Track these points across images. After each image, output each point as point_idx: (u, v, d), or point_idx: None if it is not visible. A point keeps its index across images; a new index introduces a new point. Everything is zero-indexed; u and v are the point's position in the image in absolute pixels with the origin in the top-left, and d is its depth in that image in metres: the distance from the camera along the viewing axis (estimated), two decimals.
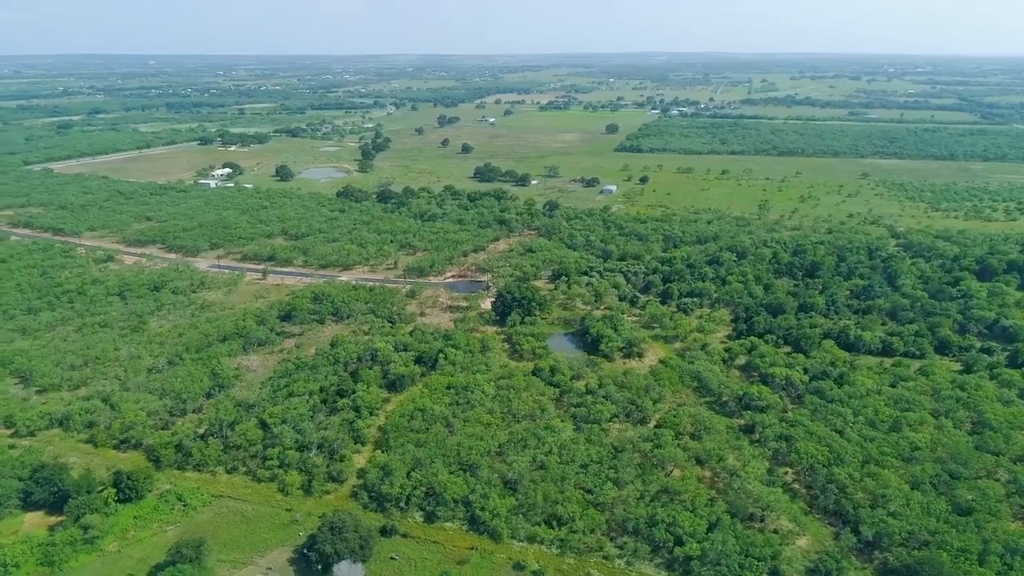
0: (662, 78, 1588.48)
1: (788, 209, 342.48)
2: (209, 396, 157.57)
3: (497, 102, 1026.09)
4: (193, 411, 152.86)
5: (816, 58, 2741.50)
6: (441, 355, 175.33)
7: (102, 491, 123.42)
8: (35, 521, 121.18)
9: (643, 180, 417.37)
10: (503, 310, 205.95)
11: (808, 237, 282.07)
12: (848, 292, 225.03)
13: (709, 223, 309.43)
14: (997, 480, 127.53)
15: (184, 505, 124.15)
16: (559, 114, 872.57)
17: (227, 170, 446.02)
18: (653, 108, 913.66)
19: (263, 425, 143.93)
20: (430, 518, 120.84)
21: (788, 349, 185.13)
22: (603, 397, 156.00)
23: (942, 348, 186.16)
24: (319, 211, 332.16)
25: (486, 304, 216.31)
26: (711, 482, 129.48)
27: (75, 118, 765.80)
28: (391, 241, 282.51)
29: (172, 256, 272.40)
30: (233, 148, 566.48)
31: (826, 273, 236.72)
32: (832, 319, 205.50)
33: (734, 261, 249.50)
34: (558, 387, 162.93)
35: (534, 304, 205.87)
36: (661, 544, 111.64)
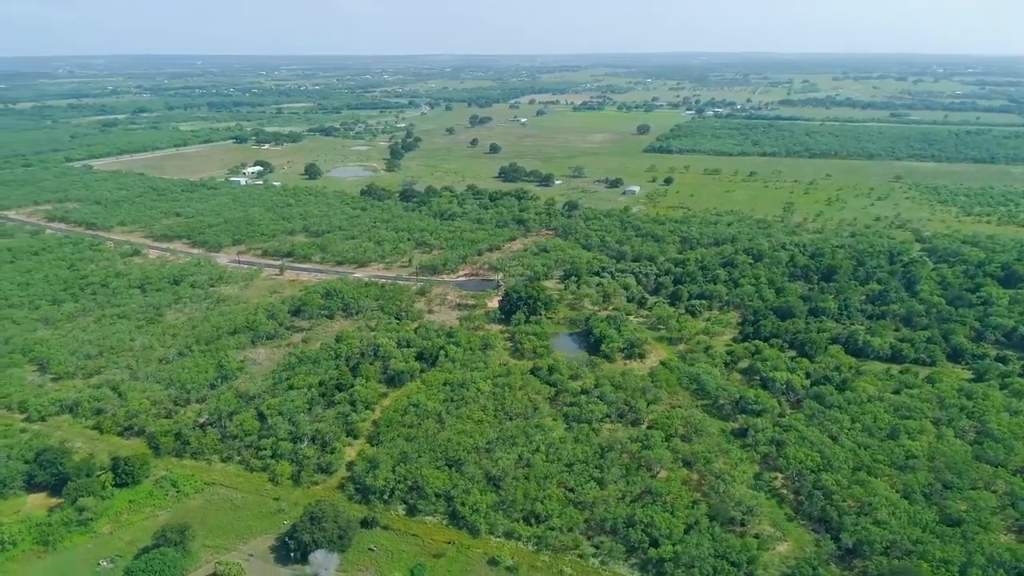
0: (701, 79, 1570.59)
1: (813, 212, 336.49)
2: (213, 387, 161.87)
3: (531, 102, 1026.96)
4: (196, 401, 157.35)
5: (863, 58, 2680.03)
6: (442, 352, 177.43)
7: (100, 475, 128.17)
8: (37, 502, 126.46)
9: (667, 181, 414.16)
10: (508, 309, 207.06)
11: (828, 240, 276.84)
12: (864, 297, 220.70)
13: (729, 225, 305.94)
14: (994, 491, 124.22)
15: (177, 491, 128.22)
16: (592, 114, 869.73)
17: (258, 168, 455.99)
18: (688, 109, 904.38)
19: (260, 416, 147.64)
20: (412, 511, 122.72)
21: (793, 353, 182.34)
22: (597, 397, 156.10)
23: (955, 356, 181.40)
24: (342, 209, 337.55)
25: (493, 303, 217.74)
26: (697, 485, 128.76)
27: (120, 116, 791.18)
28: (408, 239, 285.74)
29: (196, 251, 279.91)
30: (267, 146, 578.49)
31: (842, 277, 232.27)
32: (844, 324, 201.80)
33: (749, 264, 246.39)
34: (555, 386, 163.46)
35: (539, 303, 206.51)
36: (637, 545, 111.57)
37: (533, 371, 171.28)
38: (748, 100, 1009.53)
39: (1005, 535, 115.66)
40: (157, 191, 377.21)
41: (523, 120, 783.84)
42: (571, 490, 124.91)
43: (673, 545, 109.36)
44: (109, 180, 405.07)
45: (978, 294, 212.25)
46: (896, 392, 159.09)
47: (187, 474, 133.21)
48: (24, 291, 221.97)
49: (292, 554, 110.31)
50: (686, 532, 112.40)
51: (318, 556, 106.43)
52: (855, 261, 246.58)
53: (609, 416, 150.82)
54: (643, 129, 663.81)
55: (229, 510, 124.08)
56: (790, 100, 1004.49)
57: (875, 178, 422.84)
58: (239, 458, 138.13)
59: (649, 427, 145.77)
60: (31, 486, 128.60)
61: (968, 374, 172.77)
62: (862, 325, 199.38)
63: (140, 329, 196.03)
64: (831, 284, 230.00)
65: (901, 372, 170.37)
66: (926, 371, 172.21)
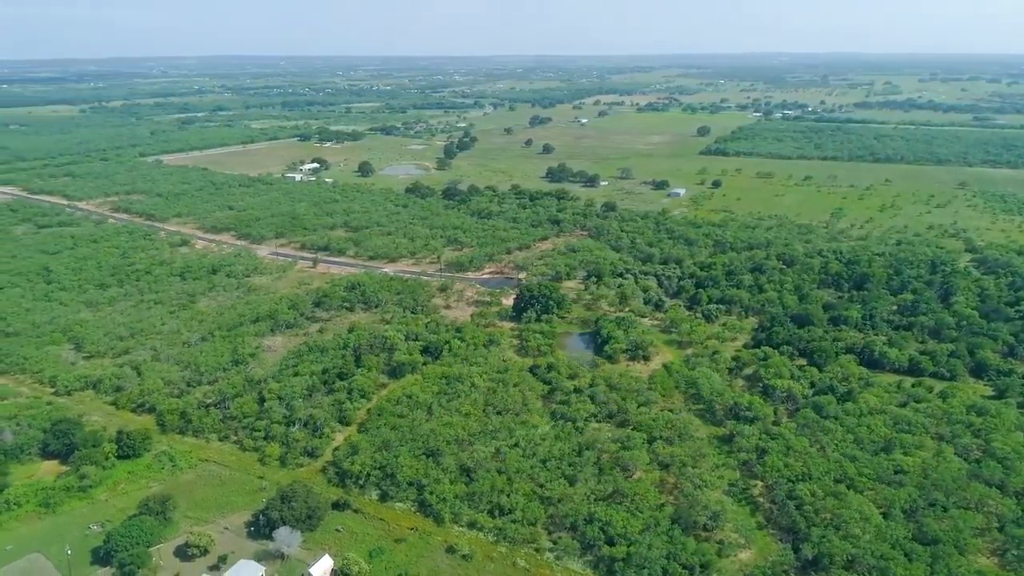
0: (777, 80, 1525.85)
1: (862, 218, 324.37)
2: (224, 371, 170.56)
3: (596, 103, 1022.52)
4: (208, 383, 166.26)
5: (956, 59, 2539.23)
6: (447, 346, 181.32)
7: (105, 447, 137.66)
8: (50, 468, 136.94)
9: (716, 184, 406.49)
10: (520, 307, 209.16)
11: (868, 248, 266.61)
12: (895, 307, 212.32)
13: (768, 230, 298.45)
14: (986, 512, 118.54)
15: (174, 465, 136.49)
16: (655, 116, 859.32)
17: (314, 165, 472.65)
18: (756, 111, 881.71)
19: (261, 400, 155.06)
20: (384, 497, 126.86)
21: (803, 362, 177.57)
22: (589, 397, 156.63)
23: (979, 371, 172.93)
24: (384, 206, 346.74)
25: (509, 300, 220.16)
26: (672, 488, 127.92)
27: (199, 115, 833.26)
28: (440, 236, 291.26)
29: (241, 243, 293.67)
30: (328, 144, 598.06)
31: (875, 286, 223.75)
32: (866, 334, 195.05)
33: (778, 270, 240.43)
34: (550, 384, 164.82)
35: (552, 302, 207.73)
36: (593, 542, 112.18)
37: (532, 369, 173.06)
38: (821, 102, 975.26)
39: (987, 558, 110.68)
40: (216, 185, 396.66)
41: (584, 121, 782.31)
42: (541, 485, 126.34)
43: (628, 545, 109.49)
44: (174, 175, 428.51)
45: (1018, 308, 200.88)
46: (902, 405, 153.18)
47: (185, 450, 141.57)
48: (76, 275, 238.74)
49: (262, 530, 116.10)
50: (640, 533, 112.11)
51: (282, 532, 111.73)
52: (892, 270, 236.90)
53: (596, 416, 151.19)
54: (703, 131, 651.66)
55: (216, 485, 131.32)
56: (867, 103, 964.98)
57: (939, 184, 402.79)
58: (235, 438, 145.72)
59: (634, 428, 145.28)
60: (46, 453, 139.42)
61: (989, 390, 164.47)
62: (884, 336, 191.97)
63: (172, 314, 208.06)
64: (862, 293, 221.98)
65: (913, 385, 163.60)
66: (942, 385, 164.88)
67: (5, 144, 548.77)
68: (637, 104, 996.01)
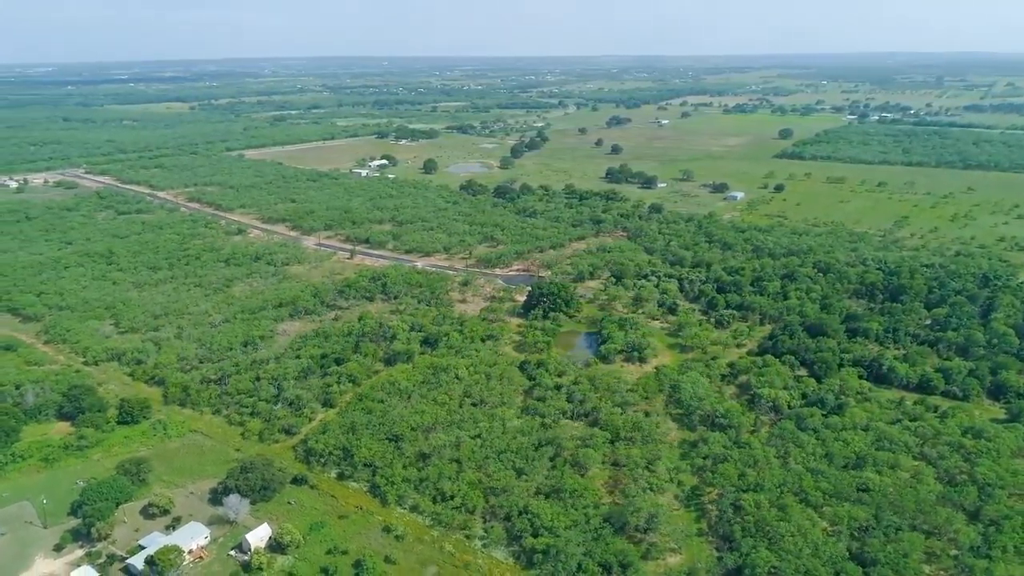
0: (884, 81, 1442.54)
1: (927, 227, 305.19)
2: (231, 350, 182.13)
3: (682, 104, 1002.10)
4: (216, 361, 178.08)
5: None
6: (445, 339, 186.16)
7: (108, 412, 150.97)
8: (63, 429, 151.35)
9: (778, 188, 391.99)
10: (530, 304, 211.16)
11: (918, 258, 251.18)
12: (928, 321, 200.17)
13: (817, 236, 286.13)
14: (949, 538, 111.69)
15: (165, 433, 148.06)
16: (740, 117, 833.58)
17: (382, 161, 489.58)
18: (851, 113, 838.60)
19: (257, 379, 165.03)
20: (342, 476, 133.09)
21: (804, 372, 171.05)
22: (566, 395, 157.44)
23: (998, 392, 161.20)
24: (434, 202, 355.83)
25: (522, 297, 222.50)
26: (625, 488, 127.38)
27: (293, 112, 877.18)
28: (478, 233, 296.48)
29: (293, 234, 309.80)
30: (403, 142, 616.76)
31: (911, 298, 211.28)
32: (886, 347, 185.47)
33: (810, 277, 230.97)
34: (534, 380, 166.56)
35: (560, 301, 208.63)
36: (520, 534, 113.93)
37: (521, 364, 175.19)
38: (928, 104, 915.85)
39: None
40: (285, 179, 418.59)
41: (664, 122, 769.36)
42: (488, 476, 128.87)
43: (551, 539, 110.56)
44: (250, 168, 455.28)
45: None
46: (895, 423, 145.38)
47: (180, 420, 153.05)
48: (134, 258, 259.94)
49: (219, 497, 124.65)
50: (566, 528, 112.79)
51: (231, 500, 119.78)
52: (935, 282, 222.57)
53: (569, 413, 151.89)
54: (785, 133, 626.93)
55: (196, 454, 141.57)
56: (979, 105, 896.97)
57: None
58: (226, 412, 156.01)
59: (601, 428, 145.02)
60: (60, 415, 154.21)
61: (1002, 413, 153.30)
62: (904, 350, 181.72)
63: (207, 297, 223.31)
64: (896, 304, 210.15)
65: (916, 403, 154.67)
66: (950, 405, 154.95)
67: (112, 138, 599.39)
68: (725, 105, 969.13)
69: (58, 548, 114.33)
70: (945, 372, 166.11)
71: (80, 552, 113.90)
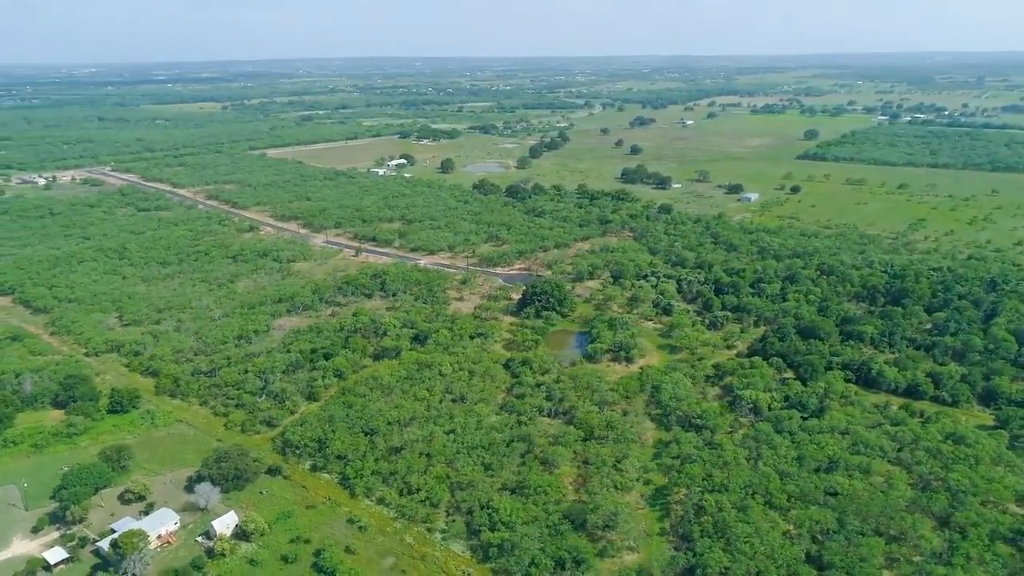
0: (923, 81, 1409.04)
1: (943, 230, 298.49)
2: (225, 344, 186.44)
3: (710, 104, 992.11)
4: (210, 354, 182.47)
5: None
6: (435, 335, 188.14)
7: (99, 402, 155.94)
8: (57, 416, 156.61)
9: (794, 190, 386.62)
10: (524, 303, 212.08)
11: (925, 261, 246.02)
12: (929, 325, 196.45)
13: (826, 239, 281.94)
14: (915, 544, 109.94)
15: (152, 422, 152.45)
16: (768, 118, 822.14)
17: (401, 161, 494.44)
18: (882, 114, 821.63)
19: (245, 372, 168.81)
20: (315, 468, 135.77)
21: (791, 375, 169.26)
22: (545, 394, 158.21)
23: (989, 398, 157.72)
24: (446, 201, 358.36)
25: (518, 296, 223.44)
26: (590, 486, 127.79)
27: (320, 112, 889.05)
28: (484, 232, 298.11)
29: (303, 231, 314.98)
30: (424, 142, 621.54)
31: (913, 302, 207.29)
32: (880, 351, 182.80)
33: (811, 279, 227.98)
34: (516, 377, 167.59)
35: (554, 300, 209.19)
36: (479, 528, 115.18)
37: (507, 362, 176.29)
38: (964, 105, 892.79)
39: None
40: (303, 177, 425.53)
41: (689, 123, 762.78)
42: (456, 471, 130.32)
43: (508, 533, 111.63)
44: (270, 167, 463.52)
45: None
46: (875, 427, 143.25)
47: (168, 410, 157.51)
48: (146, 253, 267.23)
49: (193, 485, 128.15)
50: (523, 524, 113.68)
51: (202, 488, 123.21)
52: (941, 286, 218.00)
53: (547, 411, 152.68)
54: (810, 134, 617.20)
55: (179, 443, 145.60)
56: (1018, 106, 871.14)
57: None
58: (212, 404, 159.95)
59: (576, 426, 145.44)
60: (56, 403, 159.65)
61: (991, 419, 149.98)
62: (897, 354, 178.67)
63: (210, 292, 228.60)
64: (896, 308, 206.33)
65: (901, 408, 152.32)
66: (936, 410, 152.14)
67: (141, 136, 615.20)
68: (753, 106, 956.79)
69: (35, 530, 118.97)
70: (935, 377, 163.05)
71: (56, 534, 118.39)
